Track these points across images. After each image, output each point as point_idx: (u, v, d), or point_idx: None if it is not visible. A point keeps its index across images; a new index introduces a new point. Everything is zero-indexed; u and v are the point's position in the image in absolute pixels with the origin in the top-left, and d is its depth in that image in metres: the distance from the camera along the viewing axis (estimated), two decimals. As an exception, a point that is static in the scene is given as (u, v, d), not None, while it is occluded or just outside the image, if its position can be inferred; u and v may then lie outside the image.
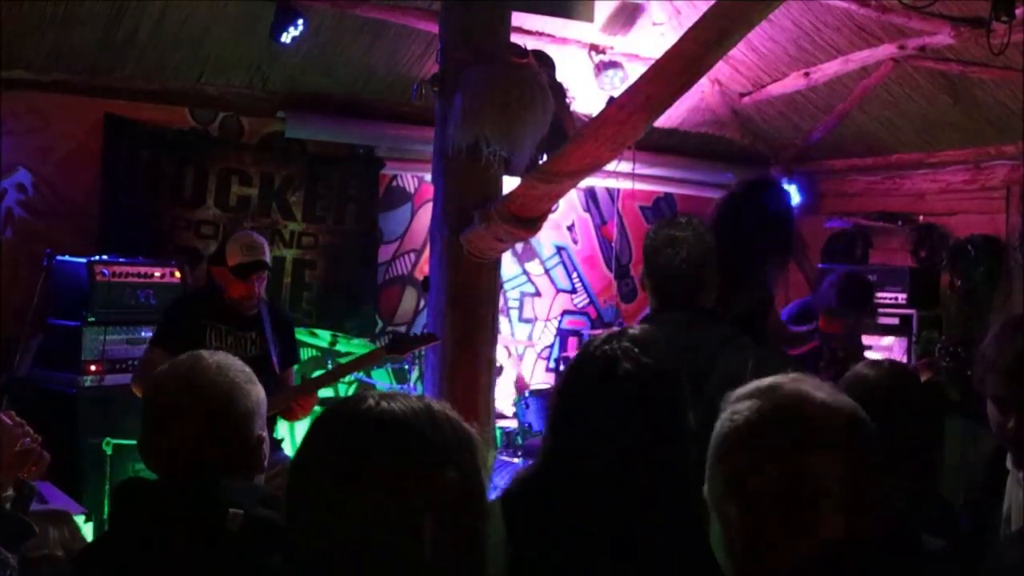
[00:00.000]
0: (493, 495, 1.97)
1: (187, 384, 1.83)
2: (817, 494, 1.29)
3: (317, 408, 5.98)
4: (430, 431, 1.38)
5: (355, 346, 5.98)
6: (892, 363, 2.67)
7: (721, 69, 6.55)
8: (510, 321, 7.18)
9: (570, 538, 1.84)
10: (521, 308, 7.31)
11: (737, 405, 1.37)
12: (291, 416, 4.36)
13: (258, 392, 1.90)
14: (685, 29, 3.15)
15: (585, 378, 1.94)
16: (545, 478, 1.94)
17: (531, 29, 5.87)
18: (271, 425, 4.38)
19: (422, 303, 6.66)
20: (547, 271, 7.45)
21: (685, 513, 1.85)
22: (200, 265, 5.87)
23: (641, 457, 1.86)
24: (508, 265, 7.04)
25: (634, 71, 5.95)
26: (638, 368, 1.90)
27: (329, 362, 6.04)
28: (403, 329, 6.72)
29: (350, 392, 6.18)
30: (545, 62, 4.54)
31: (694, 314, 2.71)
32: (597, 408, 1.89)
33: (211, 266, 4.27)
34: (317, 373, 5.94)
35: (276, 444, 4.40)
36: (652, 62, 3.36)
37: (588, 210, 7.61)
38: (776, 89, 6.67)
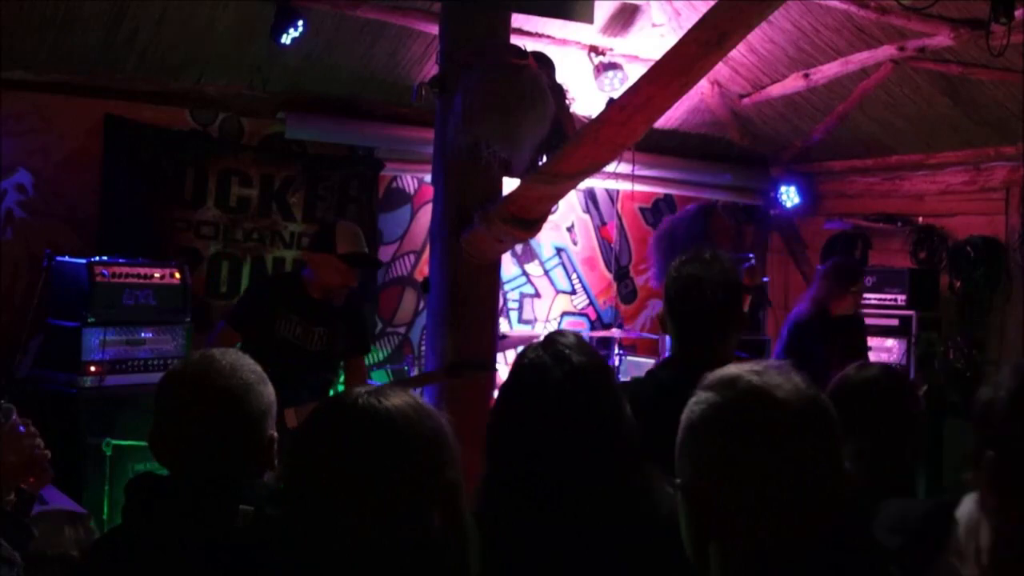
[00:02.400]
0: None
1: (201, 384, 1.85)
2: (769, 488, 1.29)
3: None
4: (420, 426, 1.41)
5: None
6: (880, 366, 2.68)
7: (720, 70, 6.56)
8: (509, 322, 7.18)
9: (527, 541, 1.86)
10: (521, 309, 7.31)
11: (700, 395, 1.37)
12: None
13: (270, 393, 1.92)
14: (684, 30, 3.16)
15: (520, 387, 1.95)
16: (494, 490, 1.94)
17: (531, 30, 5.87)
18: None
19: (422, 304, 6.66)
20: (547, 272, 7.45)
21: (638, 506, 1.88)
22: (200, 266, 5.87)
23: (587, 453, 1.87)
24: (508, 266, 7.04)
25: (634, 72, 5.96)
26: (571, 368, 1.91)
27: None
28: (402, 331, 6.73)
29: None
30: (545, 63, 4.54)
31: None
32: (535, 413, 1.90)
33: (312, 252, 4.26)
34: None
35: None
36: (652, 63, 3.36)
37: (588, 211, 7.61)
38: (776, 90, 6.68)
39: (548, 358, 1.94)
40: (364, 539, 1.37)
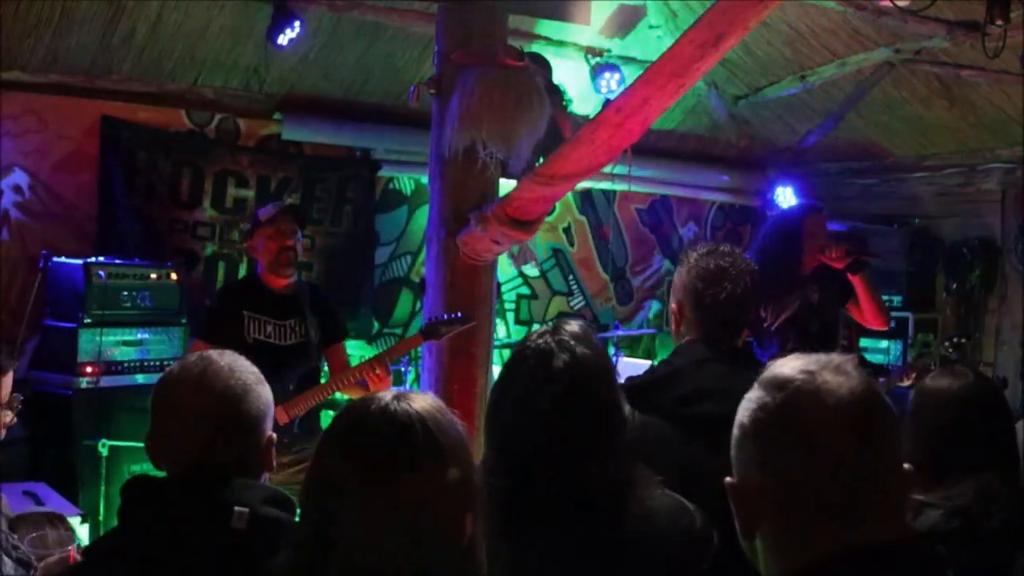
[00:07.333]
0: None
1: (199, 386, 1.84)
2: (811, 491, 1.27)
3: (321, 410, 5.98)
4: (448, 429, 1.39)
5: (352, 348, 5.97)
6: (972, 371, 2.54)
7: (717, 72, 6.57)
8: (506, 323, 7.18)
9: (523, 528, 1.86)
10: (517, 310, 7.31)
11: (752, 394, 1.36)
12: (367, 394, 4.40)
13: (268, 393, 1.91)
14: (681, 32, 3.15)
15: (522, 372, 1.95)
16: (493, 476, 1.93)
17: (528, 32, 5.88)
18: (316, 414, 4.38)
19: (418, 305, 6.66)
20: (543, 273, 7.45)
21: (624, 499, 1.88)
22: (197, 268, 5.87)
23: (581, 445, 1.88)
24: (504, 267, 7.04)
25: (631, 74, 5.96)
26: (574, 359, 1.92)
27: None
28: (399, 331, 6.72)
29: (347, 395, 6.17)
30: (542, 65, 4.54)
31: (736, 358, 2.66)
32: (535, 400, 1.90)
33: (249, 240, 4.32)
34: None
35: (319, 434, 4.38)
36: (649, 65, 3.36)
37: (584, 212, 7.62)
38: (772, 92, 6.69)
39: (554, 345, 1.94)
40: (396, 550, 1.34)
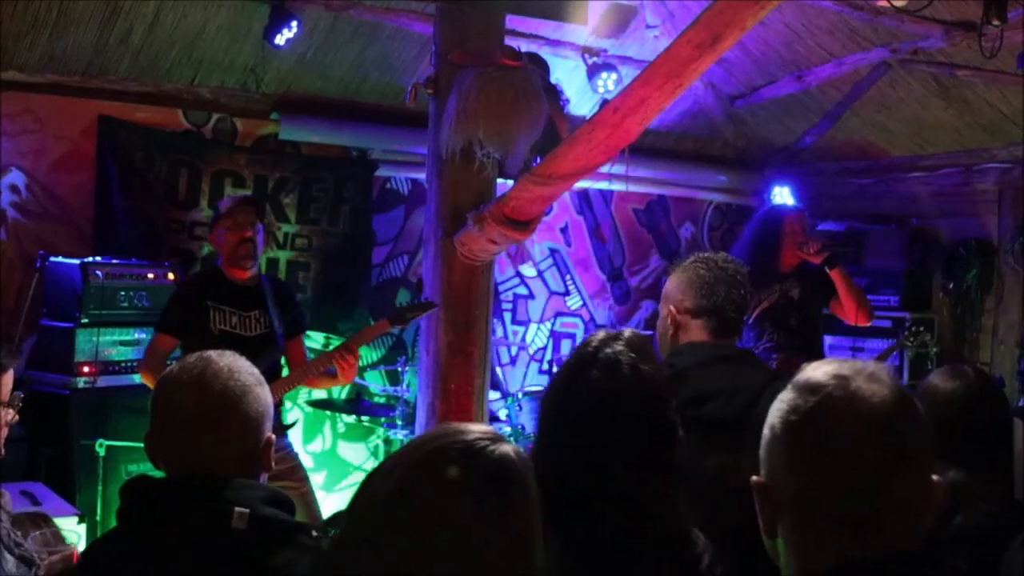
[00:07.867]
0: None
1: (198, 387, 1.84)
2: (837, 498, 1.28)
3: (335, 420, 5.95)
4: (530, 482, 1.33)
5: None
6: (972, 369, 2.55)
7: (714, 72, 6.57)
8: (503, 323, 7.18)
9: (568, 537, 1.85)
10: (514, 310, 7.31)
11: (784, 395, 1.36)
12: (333, 383, 4.45)
13: (267, 395, 1.92)
14: (678, 32, 3.16)
15: (585, 380, 1.92)
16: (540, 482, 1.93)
17: (525, 32, 5.87)
18: (277, 409, 4.36)
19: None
20: (540, 273, 7.45)
21: (676, 514, 1.87)
22: (194, 267, 5.87)
23: (638, 459, 1.86)
24: (501, 267, 7.04)
25: (628, 74, 5.96)
26: (637, 372, 1.90)
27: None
28: (396, 331, 6.71)
29: (343, 395, 6.17)
30: (539, 65, 4.55)
31: (739, 357, 2.73)
32: (599, 410, 1.88)
33: (210, 232, 4.39)
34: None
35: (282, 430, 4.38)
36: (646, 65, 3.37)
37: (581, 212, 7.61)
38: (769, 92, 6.69)
39: (623, 356, 1.91)
40: None
